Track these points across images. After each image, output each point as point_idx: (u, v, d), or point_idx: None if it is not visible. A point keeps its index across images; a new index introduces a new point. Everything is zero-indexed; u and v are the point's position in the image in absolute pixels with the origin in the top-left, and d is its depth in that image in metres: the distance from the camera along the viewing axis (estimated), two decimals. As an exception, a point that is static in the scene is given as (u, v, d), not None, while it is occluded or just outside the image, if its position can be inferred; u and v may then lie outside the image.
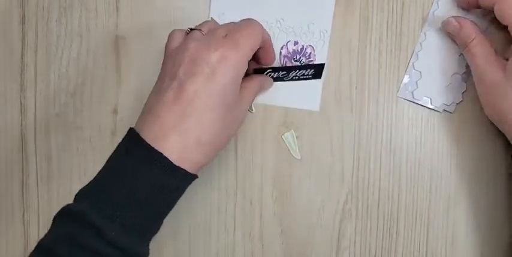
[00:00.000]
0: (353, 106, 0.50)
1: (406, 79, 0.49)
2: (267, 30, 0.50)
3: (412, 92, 0.49)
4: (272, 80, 0.49)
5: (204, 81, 0.38)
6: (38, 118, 0.51)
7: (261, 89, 0.48)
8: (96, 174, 0.41)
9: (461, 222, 0.49)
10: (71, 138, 0.51)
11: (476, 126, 0.49)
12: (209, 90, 0.39)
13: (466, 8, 0.47)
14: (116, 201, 0.38)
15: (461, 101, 0.49)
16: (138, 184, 0.38)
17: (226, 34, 0.41)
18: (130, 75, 0.51)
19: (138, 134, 0.38)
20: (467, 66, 0.47)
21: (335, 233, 0.50)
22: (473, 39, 0.44)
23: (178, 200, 0.51)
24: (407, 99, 0.49)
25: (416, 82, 0.49)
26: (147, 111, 0.40)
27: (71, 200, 0.51)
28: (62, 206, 0.39)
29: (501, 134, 0.49)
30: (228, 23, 0.44)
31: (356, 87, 0.50)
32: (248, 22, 0.43)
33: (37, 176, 0.51)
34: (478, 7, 0.46)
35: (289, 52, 0.50)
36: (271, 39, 0.47)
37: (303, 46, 0.50)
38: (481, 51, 0.44)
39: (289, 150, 0.50)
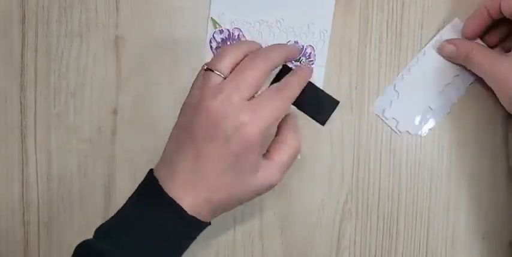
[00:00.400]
0: (353, 106, 0.50)
1: (383, 95, 0.49)
2: (267, 30, 0.50)
3: (383, 110, 0.49)
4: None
5: (219, 148, 0.39)
6: (38, 118, 0.51)
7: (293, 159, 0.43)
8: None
9: (461, 222, 0.49)
10: (70, 138, 0.51)
11: (476, 126, 0.49)
12: (220, 156, 0.39)
13: (473, 38, 0.48)
14: (138, 243, 0.39)
15: (426, 134, 0.49)
16: (158, 230, 0.40)
17: (252, 96, 0.40)
18: (130, 75, 0.51)
19: (159, 185, 0.40)
20: (442, 105, 0.48)
21: (335, 233, 0.50)
22: (472, 50, 0.46)
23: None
24: (376, 114, 0.50)
25: (391, 101, 0.49)
26: (167, 164, 0.41)
27: (71, 200, 0.51)
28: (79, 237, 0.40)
29: (500, 134, 0.49)
30: (254, 65, 0.41)
31: (356, 87, 0.50)
32: (278, 93, 0.41)
33: (37, 176, 0.51)
34: (483, 34, 0.47)
35: (289, 52, 0.50)
36: (272, 39, 0.47)
37: (303, 46, 0.50)
38: (483, 55, 0.45)
39: (289, 150, 0.50)
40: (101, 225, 0.41)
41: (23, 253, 0.51)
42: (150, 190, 0.41)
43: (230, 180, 0.40)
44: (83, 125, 0.51)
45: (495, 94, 0.46)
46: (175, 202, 0.39)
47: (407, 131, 0.49)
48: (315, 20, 0.50)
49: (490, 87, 0.46)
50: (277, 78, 0.49)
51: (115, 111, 0.51)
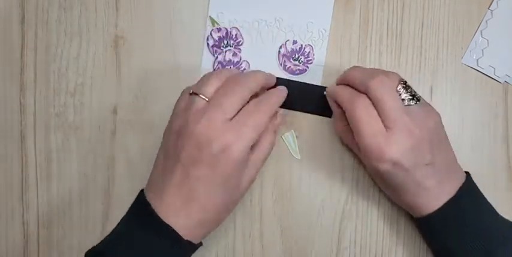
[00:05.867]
0: (353, 106, 0.50)
1: (472, 46, 0.49)
2: (266, 29, 0.50)
3: (477, 60, 0.49)
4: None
5: (207, 170, 0.40)
6: (37, 118, 0.51)
7: (265, 159, 0.45)
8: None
9: (462, 222, 0.49)
10: (70, 138, 0.51)
11: (475, 126, 0.49)
12: (211, 178, 0.40)
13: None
14: None
15: None
16: (154, 255, 0.40)
17: (234, 116, 0.41)
18: (130, 75, 0.51)
19: (152, 209, 0.41)
20: None
21: (335, 233, 0.50)
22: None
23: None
24: (470, 67, 0.49)
25: (482, 50, 0.49)
26: (158, 188, 0.42)
27: (71, 200, 0.51)
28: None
29: (499, 134, 0.49)
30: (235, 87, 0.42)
31: (356, 87, 0.50)
32: (258, 107, 0.43)
33: (37, 176, 0.51)
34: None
35: (288, 51, 0.50)
36: (271, 38, 0.46)
37: (301, 45, 0.50)
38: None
39: (289, 150, 0.50)
40: (93, 248, 0.42)
41: (22, 253, 0.51)
42: (144, 215, 0.41)
43: (220, 199, 0.42)
44: (83, 125, 0.51)
45: None
46: (171, 228, 0.40)
47: (507, 75, 0.49)
48: (314, 19, 0.50)
49: None
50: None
51: (115, 111, 0.51)
